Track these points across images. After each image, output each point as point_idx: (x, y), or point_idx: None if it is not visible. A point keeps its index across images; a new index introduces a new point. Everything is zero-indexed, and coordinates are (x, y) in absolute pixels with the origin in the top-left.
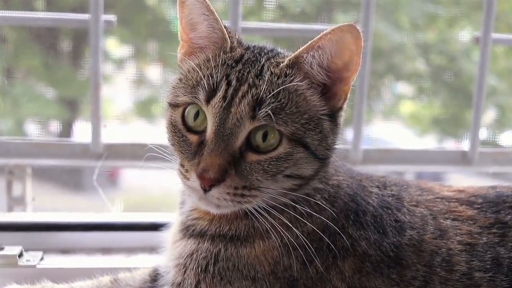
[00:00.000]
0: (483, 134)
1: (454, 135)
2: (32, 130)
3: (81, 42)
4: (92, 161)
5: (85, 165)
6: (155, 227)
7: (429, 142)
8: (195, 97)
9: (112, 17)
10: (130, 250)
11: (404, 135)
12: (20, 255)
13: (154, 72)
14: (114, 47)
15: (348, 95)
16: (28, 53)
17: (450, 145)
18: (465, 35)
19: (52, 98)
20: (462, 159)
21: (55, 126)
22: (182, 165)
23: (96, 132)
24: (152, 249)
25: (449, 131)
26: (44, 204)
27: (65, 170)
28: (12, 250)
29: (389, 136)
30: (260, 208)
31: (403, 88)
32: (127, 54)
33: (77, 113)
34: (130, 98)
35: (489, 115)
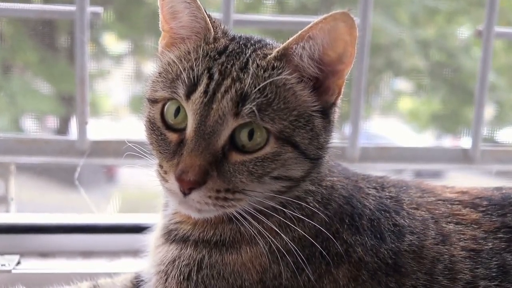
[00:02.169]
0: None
1: (453, 131)
2: (29, 125)
3: None
4: (78, 158)
5: (70, 162)
6: (139, 229)
7: (428, 139)
8: (175, 92)
9: (99, 9)
10: (113, 253)
11: (402, 131)
12: None
13: (152, 67)
14: (112, 42)
15: (342, 89)
16: (25, 48)
17: (448, 141)
18: (464, 31)
19: (49, 93)
20: (464, 157)
21: (52, 122)
22: (160, 166)
23: (82, 129)
24: (136, 253)
25: (448, 128)
26: (35, 201)
27: (60, 166)
28: None
29: (386, 132)
30: (245, 212)
31: (402, 84)
32: (125, 49)
33: (74, 109)
34: (127, 94)
35: (488, 111)
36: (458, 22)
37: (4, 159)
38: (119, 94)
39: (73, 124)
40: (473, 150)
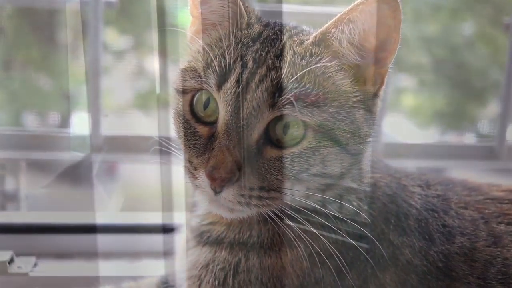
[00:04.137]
0: (485, 127)
1: (456, 128)
2: (30, 121)
3: (79, 34)
4: (92, 154)
5: (84, 159)
6: (163, 228)
7: (432, 135)
8: (205, 82)
9: None
10: (135, 254)
11: (405, 128)
12: (11, 261)
13: (153, 63)
14: (114, 37)
15: (385, 79)
16: (26, 44)
17: (452, 138)
18: (468, 27)
19: (50, 89)
20: (489, 154)
21: (53, 117)
22: (190, 162)
23: (95, 123)
24: (160, 254)
25: (451, 124)
26: (44, 199)
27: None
28: (1, 255)
29: (389, 129)
30: (281, 212)
31: (405, 80)
32: (127, 45)
33: (74, 105)
34: (130, 90)
35: (491, 108)
36: (462, 18)
37: (14, 155)
38: (120, 90)
39: (73, 120)
40: (499, 147)
